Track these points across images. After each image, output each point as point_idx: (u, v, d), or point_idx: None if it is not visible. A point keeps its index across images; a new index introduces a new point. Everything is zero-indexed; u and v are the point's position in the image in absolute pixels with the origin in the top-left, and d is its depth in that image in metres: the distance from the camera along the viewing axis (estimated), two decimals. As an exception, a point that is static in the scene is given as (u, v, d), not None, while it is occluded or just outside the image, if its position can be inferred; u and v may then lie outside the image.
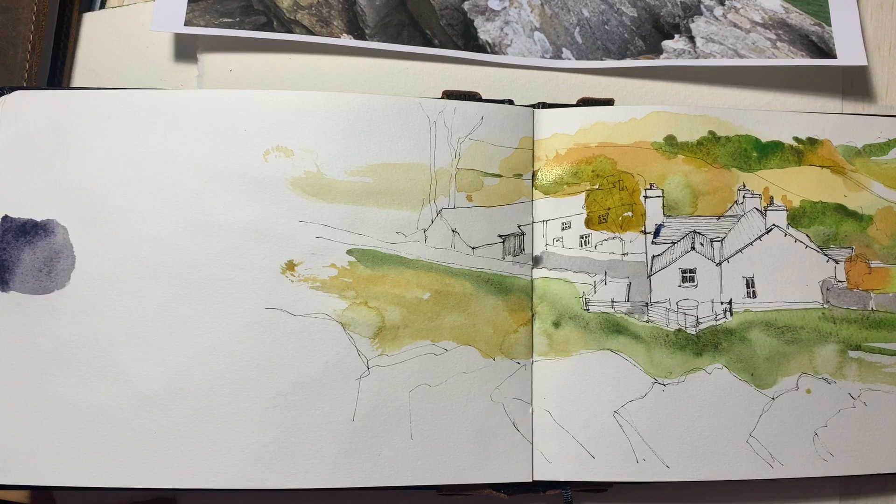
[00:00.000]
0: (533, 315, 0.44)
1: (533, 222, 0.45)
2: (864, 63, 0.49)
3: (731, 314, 0.44)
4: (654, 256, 0.45)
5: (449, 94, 0.47)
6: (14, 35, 0.48)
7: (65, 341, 0.42)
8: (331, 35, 0.49)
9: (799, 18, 0.51)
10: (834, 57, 0.50)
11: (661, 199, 0.45)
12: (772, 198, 0.46)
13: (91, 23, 0.52)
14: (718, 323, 0.44)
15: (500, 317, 0.44)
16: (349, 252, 0.43)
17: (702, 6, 0.51)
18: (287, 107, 0.44)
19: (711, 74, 0.50)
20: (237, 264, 0.43)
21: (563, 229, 0.45)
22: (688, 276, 0.45)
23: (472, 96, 0.47)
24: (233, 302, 0.42)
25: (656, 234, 0.45)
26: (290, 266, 0.43)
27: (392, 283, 0.43)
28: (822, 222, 0.46)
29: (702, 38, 0.50)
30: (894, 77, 0.52)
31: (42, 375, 0.42)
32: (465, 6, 0.50)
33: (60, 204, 0.43)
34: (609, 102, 0.48)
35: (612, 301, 0.44)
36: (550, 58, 0.50)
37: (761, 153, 0.46)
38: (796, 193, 0.46)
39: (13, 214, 0.43)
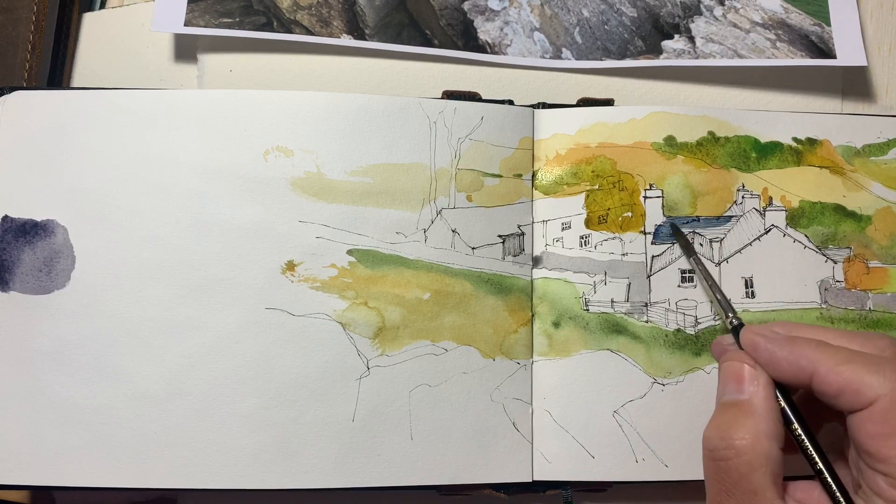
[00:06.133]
0: (533, 315, 0.44)
1: (533, 222, 0.45)
2: (864, 63, 0.49)
3: (730, 314, 0.45)
4: (653, 257, 0.45)
5: (449, 94, 0.47)
6: (14, 35, 0.47)
7: (65, 341, 0.42)
8: (331, 35, 0.49)
9: (799, 18, 0.51)
10: (834, 57, 0.50)
11: (660, 199, 0.45)
12: (770, 198, 0.46)
13: (91, 23, 0.52)
14: (717, 323, 0.44)
15: (500, 317, 0.44)
16: (349, 252, 0.43)
17: (702, 6, 0.51)
18: (287, 107, 0.44)
19: (711, 74, 0.50)
20: (237, 264, 0.43)
21: (562, 229, 0.45)
22: (687, 276, 0.45)
23: (472, 96, 0.47)
24: (233, 302, 0.42)
25: (656, 234, 0.45)
26: (290, 266, 0.43)
27: (392, 284, 0.43)
28: (820, 222, 0.46)
29: (702, 38, 0.50)
30: (894, 77, 0.52)
31: (42, 375, 0.42)
32: (465, 6, 0.50)
33: (60, 204, 0.43)
34: (609, 102, 0.48)
35: (612, 301, 0.44)
36: (550, 58, 0.50)
37: (760, 154, 0.46)
38: (795, 194, 0.46)
39: (13, 214, 0.43)
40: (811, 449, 0.33)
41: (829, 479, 0.32)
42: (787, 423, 0.34)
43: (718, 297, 0.41)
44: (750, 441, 0.32)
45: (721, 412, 0.35)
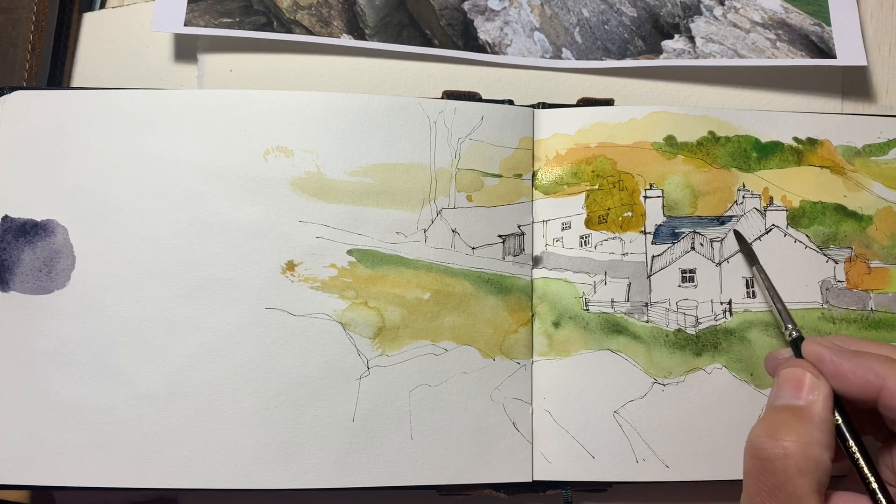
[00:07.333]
0: (533, 315, 0.44)
1: (533, 222, 0.45)
2: (864, 63, 0.49)
3: (731, 314, 0.45)
4: (653, 256, 0.45)
5: (449, 94, 0.47)
6: (14, 35, 0.48)
7: (65, 341, 0.42)
8: (331, 35, 0.49)
9: (799, 18, 0.51)
10: (834, 57, 0.50)
11: (661, 199, 0.45)
12: (771, 198, 0.46)
13: (91, 23, 0.52)
14: (718, 323, 0.44)
15: (500, 317, 0.44)
16: (349, 252, 0.43)
17: (702, 6, 0.51)
18: (287, 107, 0.44)
19: (711, 74, 0.50)
20: (237, 264, 0.43)
21: (563, 229, 0.45)
22: (687, 276, 0.45)
23: (472, 96, 0.47)
24: (233, 302, 0.42)
25: (656, 234, 0.45)
26: (290, 266, 0.43)
27: (392, 284, 0.43)
28: (821, 222, 0.46)
29: (702, 38, 0.50)
30: (894, 77, 0.52)
31: (42, 375, 0.42)
32: (465, 6, 0.50)
33: (60, 204, 0.43)
34: (609, 102, 0.48)
35: (612, 301, 0.44)
36: (550, 58, 0.50)
37: (761, 153, 0.46)
38: (796, 193, 0.46)
39: (13, 214, 0.43)
40: (866, 467, 0.33)
41: (882, 499, 0.32)
42: (840, 438, 0.34)
43: (779, 308, 0.41)
44: (801, 445, 0.32)
45: (773, 414, 0.34)
